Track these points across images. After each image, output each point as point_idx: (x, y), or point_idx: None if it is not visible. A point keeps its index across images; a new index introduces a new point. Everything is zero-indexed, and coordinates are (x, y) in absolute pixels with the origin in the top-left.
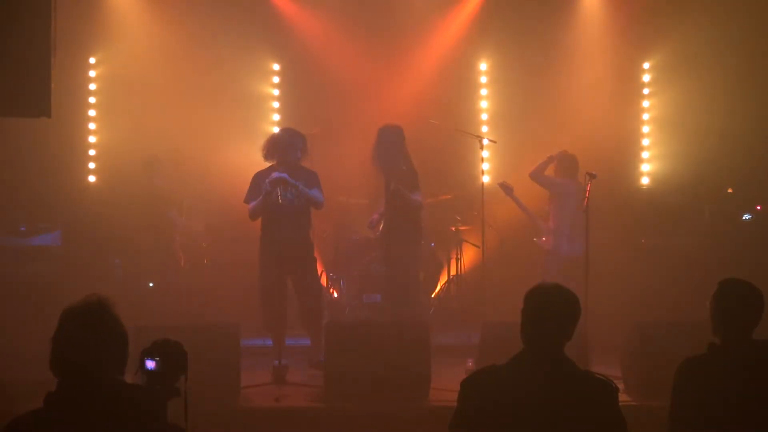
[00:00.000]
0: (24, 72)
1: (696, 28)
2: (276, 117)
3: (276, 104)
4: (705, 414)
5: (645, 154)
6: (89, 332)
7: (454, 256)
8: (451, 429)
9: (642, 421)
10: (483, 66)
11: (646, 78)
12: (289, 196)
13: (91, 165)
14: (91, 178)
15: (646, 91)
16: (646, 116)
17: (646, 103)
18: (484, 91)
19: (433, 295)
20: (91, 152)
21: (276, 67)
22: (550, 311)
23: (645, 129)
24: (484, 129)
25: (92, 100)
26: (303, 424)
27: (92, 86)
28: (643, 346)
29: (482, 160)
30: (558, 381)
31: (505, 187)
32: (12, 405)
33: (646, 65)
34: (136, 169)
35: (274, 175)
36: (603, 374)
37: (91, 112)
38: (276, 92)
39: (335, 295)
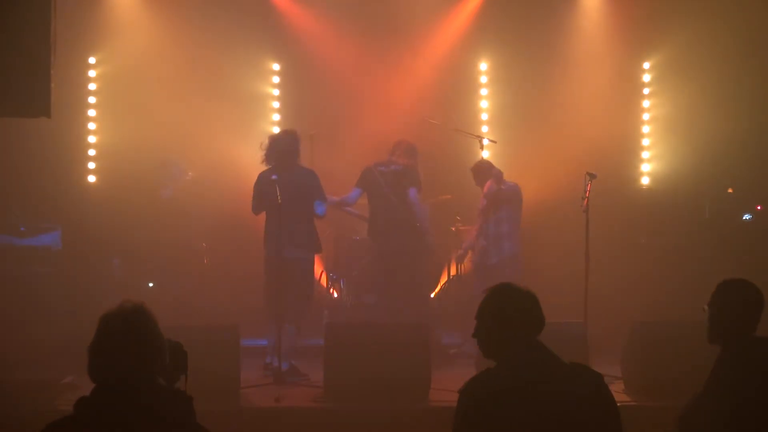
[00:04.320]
0: (24, 72)
1: (696, 27)
2: (276, 117)
3: (276, 104)
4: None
5: (645, 154)
6: (128, 338)
7: (454, 256)
8: None
9: (642, 421)
10: (483, 66)
11: (646, 78)
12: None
13: (91, 165)
14: (91, 178)
15: (646, 91)
16: (646, 116)
17: (646, 103)
18: (484, 91)
19: (433, 295)
20: (91, 152)
21: (276, 67)
22: (511, 311)
23: (645, 129)
24: (484, 129)
25: (92, 100)
26: (303, 424)
27: (92, 86)
28: (643, 346)
29: None
30: (546, 377)
31: None
32: (12, 405)
33: (646, 65)
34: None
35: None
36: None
37: (91, 112)
38: (276, 92)
39: (335, 295)
